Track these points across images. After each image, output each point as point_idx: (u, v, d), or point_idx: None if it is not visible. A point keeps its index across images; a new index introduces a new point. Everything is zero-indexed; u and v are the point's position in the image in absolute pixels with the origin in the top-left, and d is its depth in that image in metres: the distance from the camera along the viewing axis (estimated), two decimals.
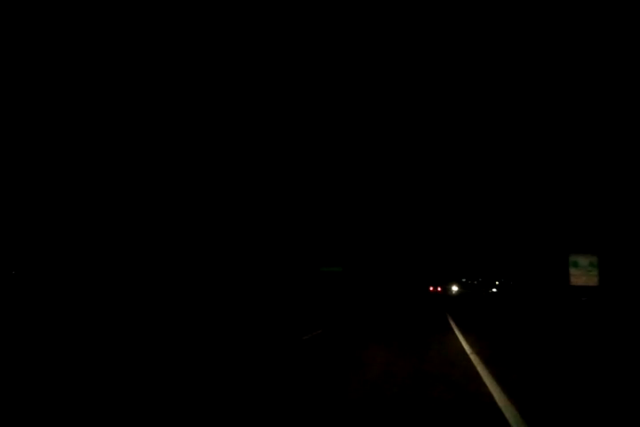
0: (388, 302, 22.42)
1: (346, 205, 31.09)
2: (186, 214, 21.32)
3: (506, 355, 6.31)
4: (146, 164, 19.60)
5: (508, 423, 2.87)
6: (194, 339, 7.12)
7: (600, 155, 22.42)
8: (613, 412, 3.29)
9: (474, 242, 54.64)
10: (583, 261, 14.54)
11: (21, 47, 15.64)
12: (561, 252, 17.72)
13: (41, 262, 16.02)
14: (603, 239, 17.61)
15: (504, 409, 3.20)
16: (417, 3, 20.69)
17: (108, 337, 7.01)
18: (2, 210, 14.93)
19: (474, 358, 5.71)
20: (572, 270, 14.50)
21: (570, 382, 4.46)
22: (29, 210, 15.95)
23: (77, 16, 16.51)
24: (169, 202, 20.60)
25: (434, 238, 53.05)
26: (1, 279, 15.21)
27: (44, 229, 16.22)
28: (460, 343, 7.40)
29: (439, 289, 51.60)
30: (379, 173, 34.44)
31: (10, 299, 12.83)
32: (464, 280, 61.93)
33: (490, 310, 19.14)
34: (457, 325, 10.97)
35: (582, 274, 14.41)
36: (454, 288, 54.04)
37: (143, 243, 19.22)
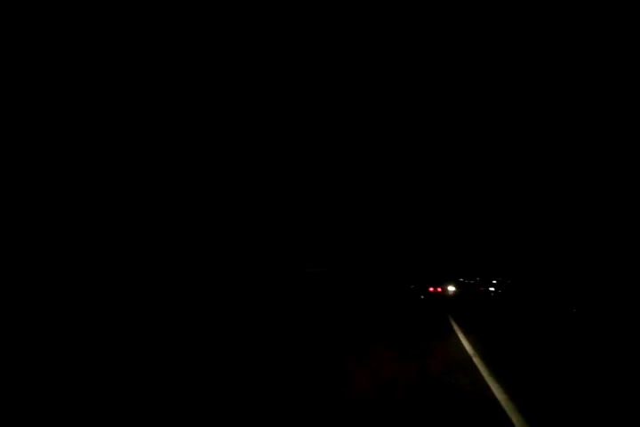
0: (377, 307, 20.13)
1: (335, 200, 29.52)
2: (162, 208, 20.50)
3: None
4: (130, 158, 19.09)
5: None
6: None
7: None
8: None
9: (469, 241, 53.33)
10: None
11: (21, 46, 15.32)
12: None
13: (40, 261, 15.57)
14: None
15: None
16: (417, 3, 19.70)
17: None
18: (2, 209, 14.72)
19: None
20: None
21: None
22: (28, 209, 15.65)
23: (77, 14, 16.09)
24: (152, 197, 20.02)
25: (428, 238, 51.66)
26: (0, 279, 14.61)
27: (42, 228, 16.00)
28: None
29: (439, 290, 50.86)
30: (370, 169, 32.83)
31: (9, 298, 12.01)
32: (461, 280, 60.44)
33: (502, 312, 17.05)
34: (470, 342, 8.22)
35: None
36: (450, 288, 52.51)
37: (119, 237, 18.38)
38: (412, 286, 49.06)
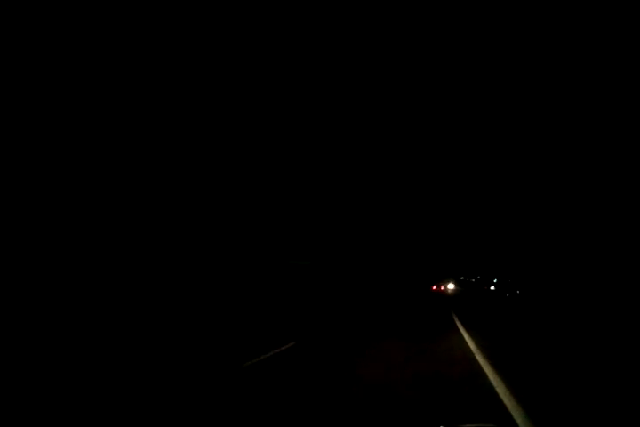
0: (369, 308, 16.35)
1: (327, 194, 29.00)
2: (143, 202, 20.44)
3: None
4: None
5: None
6: None
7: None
8: None
9: (472, 239, 52.62)
10: None
11: (21, 46, 15.53)
12: None
13: (38, 260, 15.70)
14: None
15: None
16: (417, 3, 19.45)
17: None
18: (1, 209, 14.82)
19: None
20: None
21: None
22: (28, 209, 15.82)
23: (77, 14, 16.27)
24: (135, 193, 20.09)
25: (430, 235, 51.08)
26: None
27: (42, 228, 16.18)
28: None
29: (442, 288, 50.71)
30: (366, 164, 32.25)
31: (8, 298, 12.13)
32: (462, 278, 59.86)
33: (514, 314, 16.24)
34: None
35: None
36: (450, 286, 51.96)
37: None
38: (410, 284, 48.65)
